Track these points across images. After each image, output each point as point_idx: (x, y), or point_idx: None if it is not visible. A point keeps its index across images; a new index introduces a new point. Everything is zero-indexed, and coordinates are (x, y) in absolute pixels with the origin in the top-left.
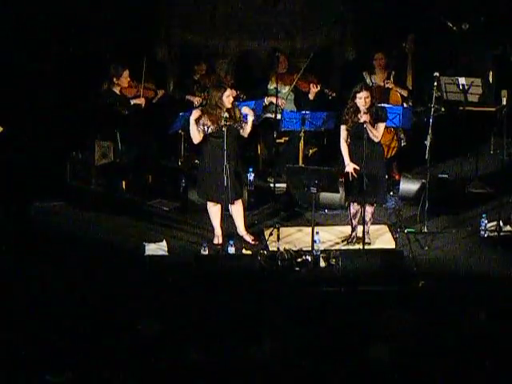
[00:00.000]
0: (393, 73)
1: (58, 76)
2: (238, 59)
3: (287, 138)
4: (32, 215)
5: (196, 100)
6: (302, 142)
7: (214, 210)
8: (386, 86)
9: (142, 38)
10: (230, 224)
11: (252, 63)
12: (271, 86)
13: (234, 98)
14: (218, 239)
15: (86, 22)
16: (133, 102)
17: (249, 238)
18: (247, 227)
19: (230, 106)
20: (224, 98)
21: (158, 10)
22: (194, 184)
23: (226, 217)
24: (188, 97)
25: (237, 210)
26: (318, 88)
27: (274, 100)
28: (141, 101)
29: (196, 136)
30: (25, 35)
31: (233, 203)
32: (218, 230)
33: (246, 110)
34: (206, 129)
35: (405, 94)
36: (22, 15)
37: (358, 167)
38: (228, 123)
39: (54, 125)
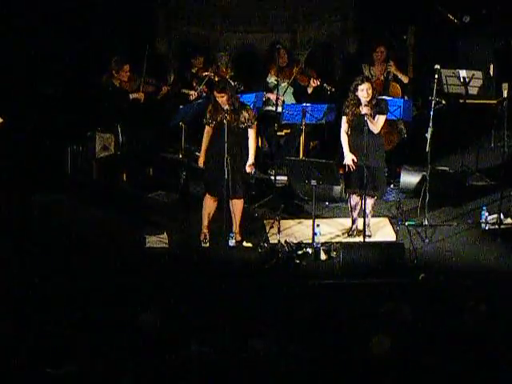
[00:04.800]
0: (391, 63)
1: (59, 68)
2: (238, 52)
3: (288, 131)
4: (33, 207)
5: (192, 93)
6: (303, 134)
7: (209, 203)
8: (388, 69)
9: (143, 30)
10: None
11: (253, 56)
12: (270, 79)
13: (227, 98)
14: (203, 235)
15: (87, 15)
16: (132, 96)
17: (235, 238)
18: (241, 227)
19: (225, 105)
20: (217, 98)
21: (159, 2)
22: (195, 176)
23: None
24: (184, 90)
25: (232, 207)
26: (318, 83)
27: (271, 96)
28: (140, 95)
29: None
30: (25, 27)
31: (230, 199)
32: (205, 224)
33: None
34: (209, 121)
35: (405, 80)
36: (22, 6)
37: (356, 159)
38: (227, 118)
39: (55, 117)
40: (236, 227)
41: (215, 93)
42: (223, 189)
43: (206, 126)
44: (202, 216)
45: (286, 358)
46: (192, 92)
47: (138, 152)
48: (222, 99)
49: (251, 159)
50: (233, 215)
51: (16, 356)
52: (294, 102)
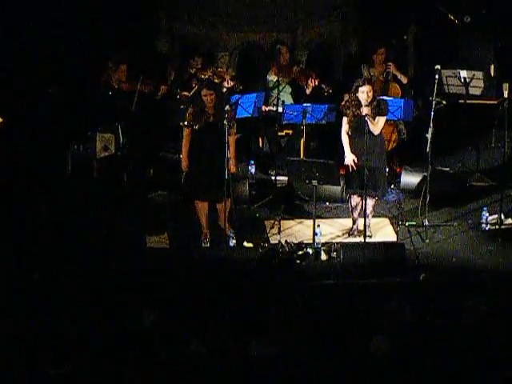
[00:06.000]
0: (390, 63)
1: (59, 68)
2: (240, 51)
3: (289, 131)
4: (33, 207)
5: (184, 94)
6: (303, 135)
7: (201, 206)
8: (387, 69)
9: (144, 30)
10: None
11: (254, 55)
12: (270, 78)
13: (214, 97)
14: (204, 235)
15: (88, 15)
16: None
17: (228, 232)
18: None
19: (210, 104)
20: (202, 96)
21: (160, 1)
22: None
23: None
24: (177, 91)
25: (223, 207)
26: (316, 83)
27: (264, 108)
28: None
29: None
30: (25, 25)
31: (221, 200)
32: (204, 224)
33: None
34: (193, 124)
35: (405, 80)
36: (22, 6)
37: (356, 159)
38: (212, 119)
39: (55, 117)
40: (227, 223)
41: (205, 90)
42: (214, 190)
43: (186, 129)
44: (199, 218)
45: (286, 359)
46: (185, 93)
47: (139, 152)
48: (211, 97)
49: (233, 159)
50: (226, 214)
51: (16, 356)
52: (291, 101)
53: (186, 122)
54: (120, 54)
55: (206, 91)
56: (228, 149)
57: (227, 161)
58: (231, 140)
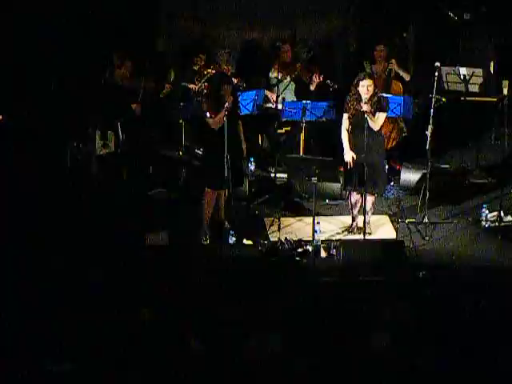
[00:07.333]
0: (392, 60)
1: (60, 65)
2: (240, 49)
3: (289, 128)
4: (32, 205)
5: (192, 87)
6: (303, 132)
7: (210, 199)
8: (389, 66)
9: (143, 27)
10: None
11: (255, 53)
12: (272, 75)
13: (231, 90)
14: (204, 233)
15: (89, 11)
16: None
17: (226, 224)
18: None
19: (228, 97)
20: (226, 90)
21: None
22: (195, 174)
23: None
24: (185, 83)
25: (222, 199)
26: (321, 79)
27: (269, 94)
28: (137, 106)
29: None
30: (25, 23)
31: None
32: (206, 221)
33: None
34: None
35: (407, 77)
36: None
37: (356, 156)
38: (229, 111)
39: (55, 114)
40: (226, 216)
41: (225, 86)
42: (223, 185)
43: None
44: (203, 214)
45: (286, 358)
46: (192, 85)
47: (138, 149)
48: (230, 90)
49: (244, 142)
50: (224, 201)
51: (17, 353)
52: (294, 98)
53: (209, 113)
54: (123, 50)
55: (227, 86)
56: (228, 146)
57: (226, 158)
58: (241, 126)
